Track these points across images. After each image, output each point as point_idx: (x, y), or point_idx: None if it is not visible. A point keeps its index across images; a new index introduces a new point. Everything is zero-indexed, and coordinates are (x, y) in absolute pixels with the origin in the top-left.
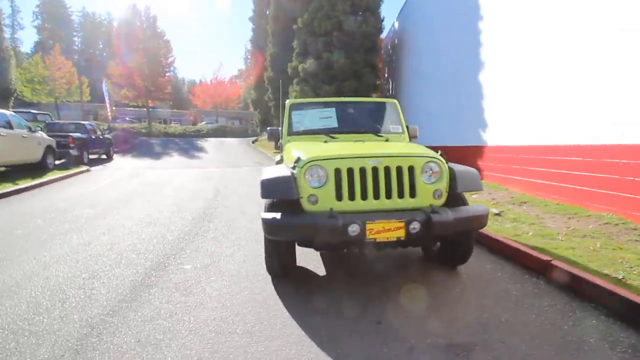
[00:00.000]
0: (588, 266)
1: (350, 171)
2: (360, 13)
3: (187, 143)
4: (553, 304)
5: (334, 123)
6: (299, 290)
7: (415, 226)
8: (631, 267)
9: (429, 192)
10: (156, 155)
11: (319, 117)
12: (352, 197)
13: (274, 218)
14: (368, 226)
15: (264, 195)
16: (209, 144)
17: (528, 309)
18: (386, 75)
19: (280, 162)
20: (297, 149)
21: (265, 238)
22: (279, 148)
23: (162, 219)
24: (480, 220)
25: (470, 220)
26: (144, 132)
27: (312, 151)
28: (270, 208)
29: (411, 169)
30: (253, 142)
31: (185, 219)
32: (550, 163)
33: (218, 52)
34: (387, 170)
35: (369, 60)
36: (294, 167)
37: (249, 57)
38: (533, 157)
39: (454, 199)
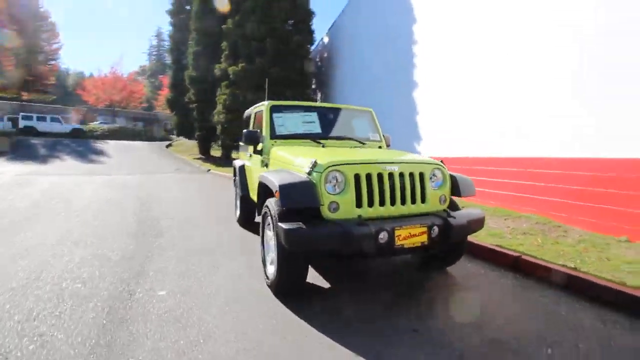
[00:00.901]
0: (544, 258)
1: (368, 177)
2: (291, 22)
3: (81, 145)
4: (543, 295)
5: (317, 128)
6: (314, 307)
7: (435, 230)
8: (572, 258)
9: (436, 197)
10: (42, 159)
11: (301, 122)
12: (371, 203)
13: (299, 228)
14: (396, 232)
15: (284, 203)
16: (111, 147)
17: (527, 301)
18: (313, 86)
19: (242, 167)
20: (297, 154)
21: (281, 252)
22: (259, 152)
23: (92, 236)
24: (482, 222)
25: (476, 223)
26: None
27: (325, 156)
28: (284, 217)
29: (421, 175)
30: (167, 146)
31: (121, 234)
32: (481, 172)
33: (113, 46)
34: (401, 176)
35: (302, 70)
36: (309, 173)
37: (153, 52)
38: (466, 167)
39: (451, 203)
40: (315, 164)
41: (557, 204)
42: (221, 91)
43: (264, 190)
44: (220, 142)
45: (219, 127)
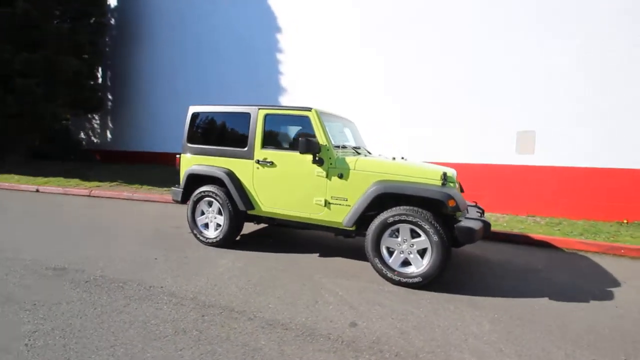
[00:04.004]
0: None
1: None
2: None
3: None
4: (505, 248)
5: (346, 138)
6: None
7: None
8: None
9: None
10: None
11: (338, 131)
12: None
13: (477, 224)
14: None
15: (461, 208)
16: None
17: (510, 252)
18: None
19: (233, 177)
20: (403, 166)
21: (443, 247)
22: (319, 162)
23: None
24: None
25: None
26: None
27: (437, 167)
28: (440, 220)
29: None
30: None
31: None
32: None
33: None
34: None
35: (95, 41)
36: (444, 183)
37: None
38: None
39: None
40: (446, 176)
41: None
42: None
43: (378, 200)
44: None
45: None
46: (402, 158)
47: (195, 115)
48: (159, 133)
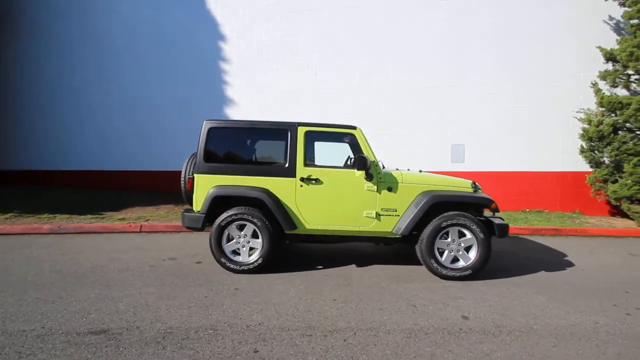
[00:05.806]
0: None
1: None
2: None
3: None
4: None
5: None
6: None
7: None
8: None
9: None
10: None
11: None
12: None
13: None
14: None
15: (497, 209)
16: None
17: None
18: None
19: (273, 197)
20: (440, 178)
21: (488, 242)
22: (369, 177)
23: None
24: None
25: None
26: None
27: (463, 178)
28: (479, 220)
29: None
30: None
31: None
32: None
33: None
34: None
35: None
36: (475, 190)
37: None
38: None
39: None
40: (475, 185)
41: None
42: None
43: (431, 208)
44: None
45: None
46: (408, 169)
47: (212, 131)
48: (37, 146)
